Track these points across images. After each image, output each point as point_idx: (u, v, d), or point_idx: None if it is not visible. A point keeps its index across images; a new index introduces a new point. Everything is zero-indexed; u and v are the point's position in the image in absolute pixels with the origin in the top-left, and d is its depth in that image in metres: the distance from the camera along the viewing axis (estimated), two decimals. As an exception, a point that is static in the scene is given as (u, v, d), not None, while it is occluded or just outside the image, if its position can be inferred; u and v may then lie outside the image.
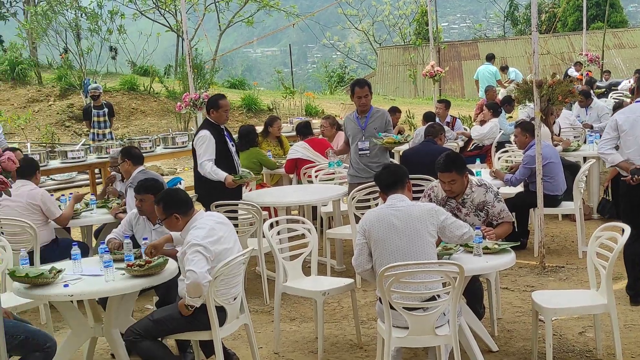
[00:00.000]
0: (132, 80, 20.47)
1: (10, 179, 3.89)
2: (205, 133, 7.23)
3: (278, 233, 6.22)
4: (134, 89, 20.23)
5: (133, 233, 5.99)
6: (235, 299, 5.02)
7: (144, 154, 7.73)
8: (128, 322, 5.19)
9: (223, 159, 7.29)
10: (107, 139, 12.33)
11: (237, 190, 7.43)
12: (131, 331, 4.88)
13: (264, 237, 6.39)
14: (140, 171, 7.11)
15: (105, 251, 5.22)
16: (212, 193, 7.16)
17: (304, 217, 7.62)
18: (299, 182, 9.01)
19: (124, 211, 7.08)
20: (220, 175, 7.23)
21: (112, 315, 5.11)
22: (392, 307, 4.55)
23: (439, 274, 4.59)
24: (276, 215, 7.95)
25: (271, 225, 6.01)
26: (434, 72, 12.97)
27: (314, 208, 8.60)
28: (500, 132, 11.17)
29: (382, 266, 4.60)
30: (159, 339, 4.96)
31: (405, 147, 9.09)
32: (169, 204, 5.03)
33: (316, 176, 8.70)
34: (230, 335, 5.52)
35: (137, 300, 5.66)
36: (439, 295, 4.61)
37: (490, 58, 17.89)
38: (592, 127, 11.12)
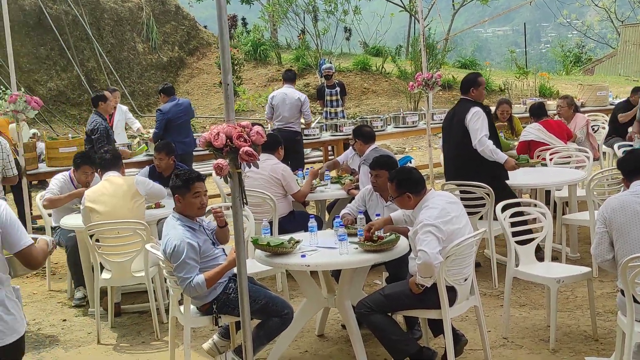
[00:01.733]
0: (364, 60, 20.88)
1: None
2: (478, 109, 6.96)
3: (510, 216, 6.07)
4: (366, 69, 20.63)
5: (366, 209, 6.14)
6: (465, 279, 4.97)
7: (375, 132, 7.86)
8: (359, 295, 5.35)
9: (491, 138, 7.00)
10: (340, 118, 12.69)
11: (505, 173, 7.11)
12: (362, 304, 5.01)
13: (495, 219, 6.27)
14: (373, 149, 7.27)
15: (340, 225, 5.39)
16: (478, 172, 6.88)
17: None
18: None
19: (357, 187, 7.27)
20: (501, 156, 6.95)
21: (344, 287, 5.28)
22: (635, 301, 4.29)
23: (691, 268, 4.24)
24: (507, 198, 7.75)
25: (503, 208, 5.87)
26: (687, 50, 11.92)
27: (547, 192, 8.30)
28: None
29: (624, 256, 4.35)
30: (389, 313, 5.06)
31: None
32: (402, 183, 5.06)
33: (551, 159, 8.38)
34: (458, 317, 5.49)
35: (367, 274, 5.79)
36: (689, 292, 4.27)
37: None
38: None
